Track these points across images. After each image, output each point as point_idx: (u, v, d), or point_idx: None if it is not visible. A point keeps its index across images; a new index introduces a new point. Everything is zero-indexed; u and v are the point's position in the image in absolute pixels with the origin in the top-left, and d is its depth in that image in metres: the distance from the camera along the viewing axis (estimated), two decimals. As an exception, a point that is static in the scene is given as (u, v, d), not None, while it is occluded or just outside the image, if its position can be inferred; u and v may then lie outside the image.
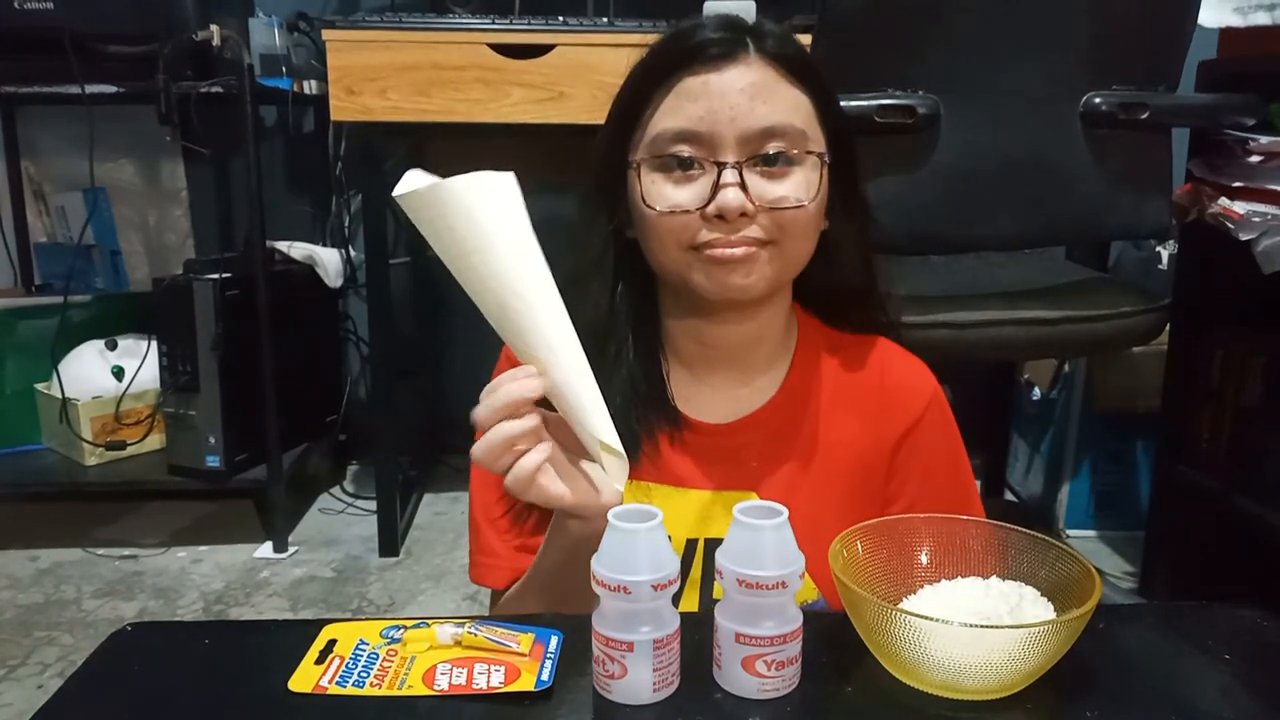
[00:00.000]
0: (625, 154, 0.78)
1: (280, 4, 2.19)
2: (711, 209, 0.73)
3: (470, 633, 0.61)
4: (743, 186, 0.72)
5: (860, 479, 0.83)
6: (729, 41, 0.74)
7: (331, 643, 0.62)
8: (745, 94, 0.73)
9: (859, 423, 0.83)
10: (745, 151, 0.73)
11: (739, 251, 0.73)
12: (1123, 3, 1.21)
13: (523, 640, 0.61)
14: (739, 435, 0.82)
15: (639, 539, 0.55)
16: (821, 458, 0.82)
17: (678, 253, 0.76)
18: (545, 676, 0.58)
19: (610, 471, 0.66)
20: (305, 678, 0.58)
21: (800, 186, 0.74)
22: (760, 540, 0.55)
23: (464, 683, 0.58)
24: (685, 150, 0.74)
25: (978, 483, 2.12)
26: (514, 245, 0.61)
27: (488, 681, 0.58)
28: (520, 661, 0.60)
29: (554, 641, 0.62)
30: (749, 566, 0.55)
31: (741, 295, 0.76)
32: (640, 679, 0.56)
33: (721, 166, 0.73)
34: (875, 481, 0.83)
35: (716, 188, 0.73)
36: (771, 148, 0.73)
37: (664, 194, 0.75)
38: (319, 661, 0.60)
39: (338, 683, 0.58)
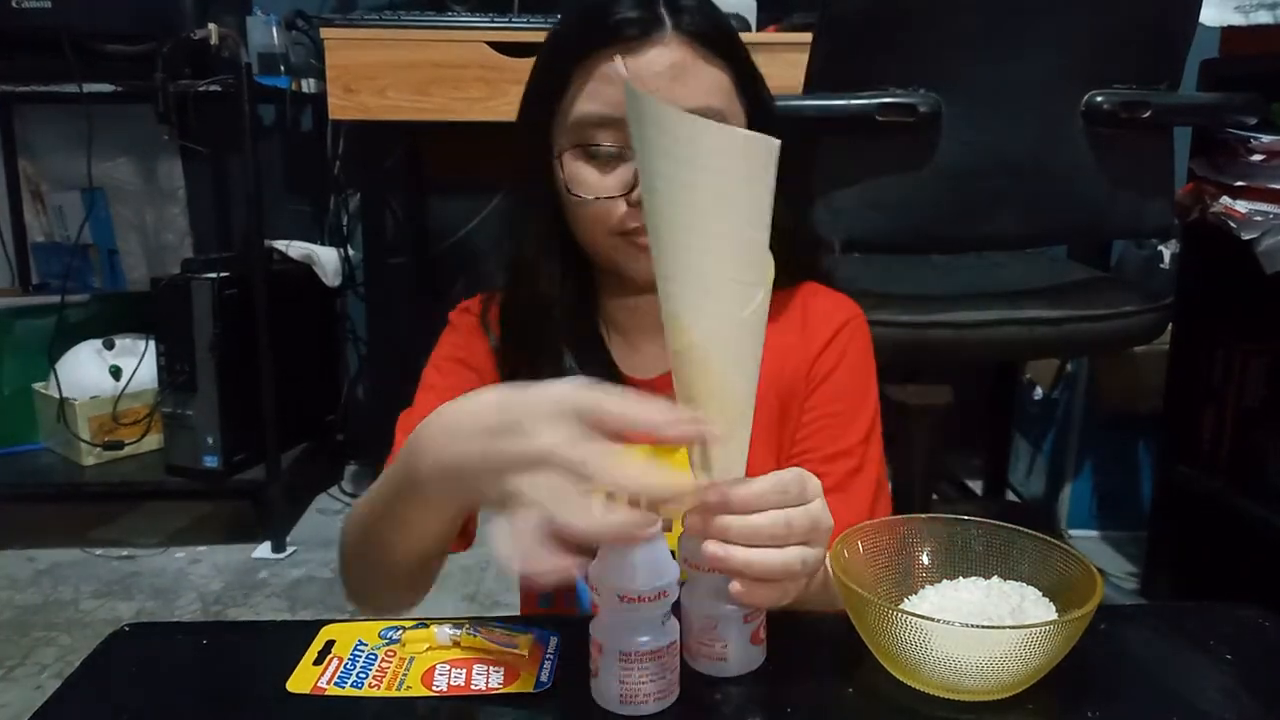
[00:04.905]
0: (547, 135, 0.77)
1: (278, 2, 2.18)
2: (635, 195, 0.72)
3: (469, 634, 0.61)
4: None
5: (784, 407, 0.82)
6: (645, 21, 0.72)
7: (330, 643, 0.62)
8: (664, 77, 0.71)
9: (782, 355, 0.82)
10: None
11: None
12: (1125, 1, 1.21)
13: (522, 641, 0.61)
14: (669, 388, 0.82)
15: (638, 548, 0.54)
16: None
17: (604, 238, 0.76)
18: (544, 678, 0.58)
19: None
20: (303, 678, 0.58)
21: None
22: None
23: (463, 684, 0.57)
24: (606, 138, 0.73)
25: (980, 482, 2.13)
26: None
27: (486, 682, 0.57)
28: (519, 662, 0.59)
29: (553, 642, 0.62)
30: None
31: None
32: (642, 690, 0.55)
33: None
34: (797, 405, 0.83)
35: (639, 175, 0.72)
36: None
37: (587, 181, 0.74)
38: (317, 662, 0.60)
39: (336, 683, 0.58)
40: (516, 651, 0.60)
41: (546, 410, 0.50)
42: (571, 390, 0.51)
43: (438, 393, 0.83)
